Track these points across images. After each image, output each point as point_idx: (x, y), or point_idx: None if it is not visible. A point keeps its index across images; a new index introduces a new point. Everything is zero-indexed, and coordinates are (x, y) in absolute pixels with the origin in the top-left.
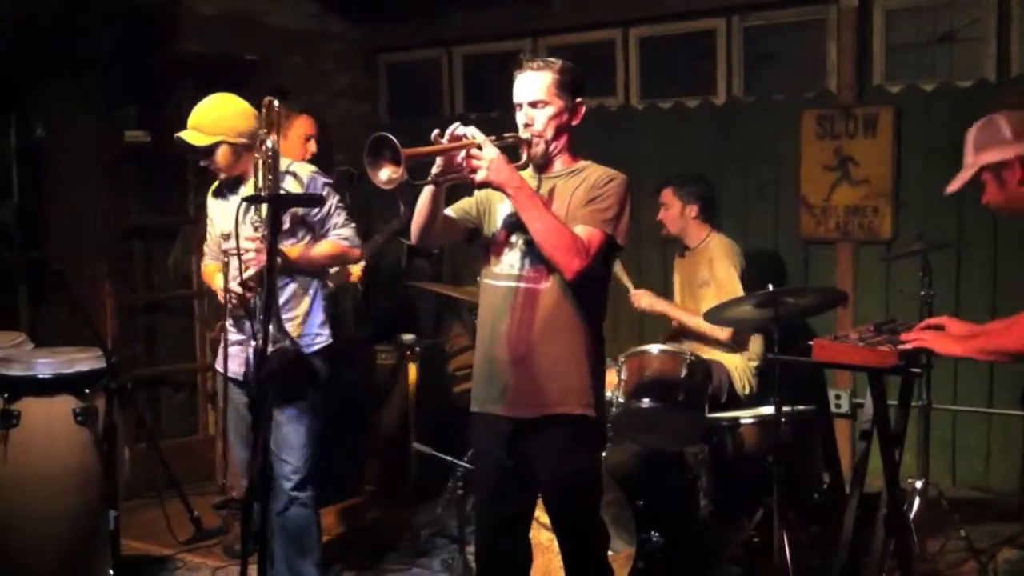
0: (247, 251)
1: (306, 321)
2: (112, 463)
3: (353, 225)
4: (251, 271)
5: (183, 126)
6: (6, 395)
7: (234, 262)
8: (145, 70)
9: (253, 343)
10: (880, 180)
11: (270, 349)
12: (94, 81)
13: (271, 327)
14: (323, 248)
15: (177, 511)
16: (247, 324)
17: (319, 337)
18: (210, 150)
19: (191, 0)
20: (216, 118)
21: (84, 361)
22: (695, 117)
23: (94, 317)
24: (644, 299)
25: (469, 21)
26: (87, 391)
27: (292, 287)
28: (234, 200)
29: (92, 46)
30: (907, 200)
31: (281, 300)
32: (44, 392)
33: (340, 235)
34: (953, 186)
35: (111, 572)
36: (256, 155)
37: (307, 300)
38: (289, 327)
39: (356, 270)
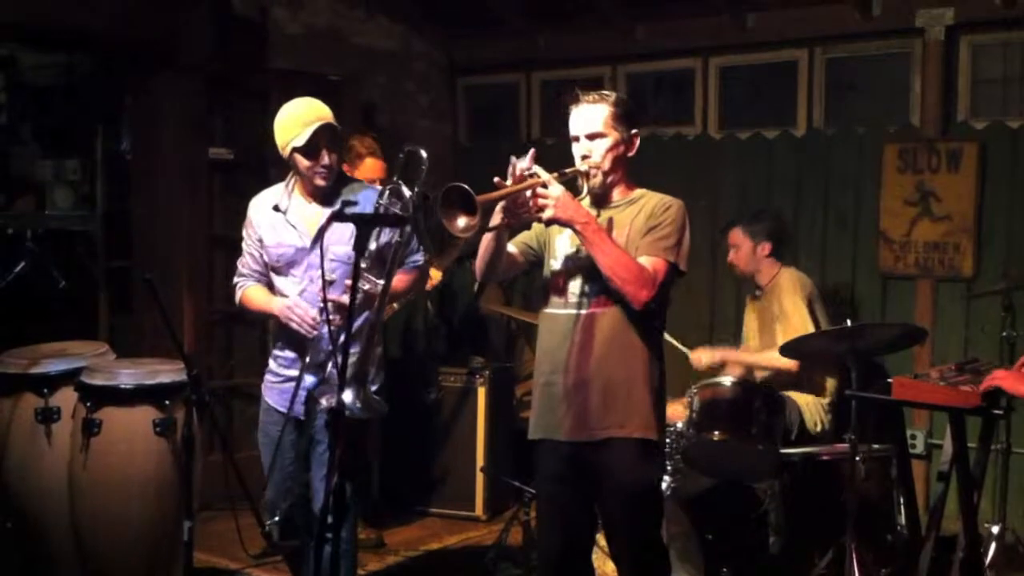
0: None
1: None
2: (189, 474)
3: (421, 247)
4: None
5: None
6: (89, 404)
7: (314, 286)
8: (231, 86)
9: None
10: (962, 216)
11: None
12: (181, 96)
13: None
14: (405, 277)
15: (247, 524)
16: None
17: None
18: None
19: (279, 18)
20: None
21: (166, 373)
22: (774, 148)
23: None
24: (704, 356)
25: (550, 47)
26: (167, 402)
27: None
28: (302, 217)
29: (180, 62)
30: (990, 237)
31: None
32: (126, 402)
33: (415, 261)
34: None
35: None
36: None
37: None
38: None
39: (436, 274)
